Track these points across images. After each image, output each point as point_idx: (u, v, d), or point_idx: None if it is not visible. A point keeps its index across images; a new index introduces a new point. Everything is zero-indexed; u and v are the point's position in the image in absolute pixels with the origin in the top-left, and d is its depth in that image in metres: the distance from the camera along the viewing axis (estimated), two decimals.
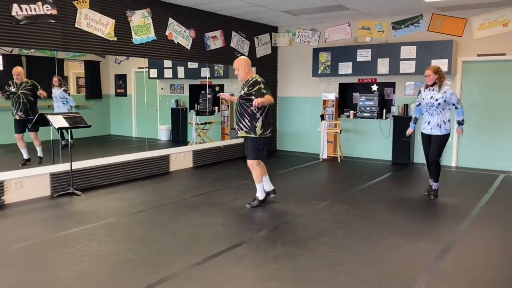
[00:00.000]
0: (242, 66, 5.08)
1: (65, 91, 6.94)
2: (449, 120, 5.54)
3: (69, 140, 5.87)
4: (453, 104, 5.45)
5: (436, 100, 5.42)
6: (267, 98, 4.86)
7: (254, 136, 5.09)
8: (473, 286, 3.22)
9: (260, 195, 5.29)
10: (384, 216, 4.95)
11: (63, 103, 6.91)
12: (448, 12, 7.84)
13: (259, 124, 5.05)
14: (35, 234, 4.31)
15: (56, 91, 6.89)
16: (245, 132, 5.11)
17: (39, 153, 6.36)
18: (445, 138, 5.56)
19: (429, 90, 5.51)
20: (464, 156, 8.04)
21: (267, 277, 3.31)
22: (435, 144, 5.55)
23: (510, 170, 7.59)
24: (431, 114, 5.52)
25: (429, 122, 5.56)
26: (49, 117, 5.71)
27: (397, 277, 3.35)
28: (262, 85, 4.97)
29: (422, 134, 5.72)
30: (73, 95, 8.57)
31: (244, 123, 5.08)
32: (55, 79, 6.85)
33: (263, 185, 5.30)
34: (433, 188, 5.77)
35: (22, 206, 5.32)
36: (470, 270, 3.51)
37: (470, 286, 3.22)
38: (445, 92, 5.42)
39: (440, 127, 5.49)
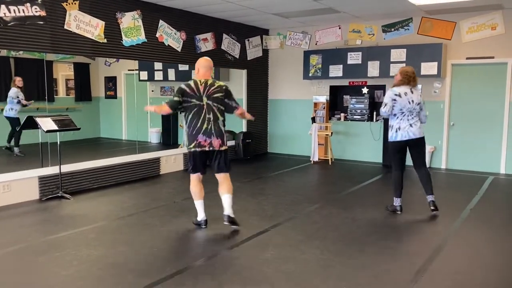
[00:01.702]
0: (196, 66, 4.52)
1: (19, 88, 6.87)
2: (392, 127, 5.01)
3: (50, 143, 5.80)
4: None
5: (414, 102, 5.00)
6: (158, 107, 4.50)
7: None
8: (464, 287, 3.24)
9: (199, 214, 4.57)
10: (375, 218, 4.96)
11: (17, 102, 6.85)
12: (437, 15, 7.90)
13: (185, 137, 4.51)
14: (23, 238, 4.25)
15: (13, 90, 6.84)
16: None
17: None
18: (388, 144, 5.16)
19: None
20: (454, 158, 8.10)
21: (258, 281, 3.30)
22: None
23: (499, 172, 7.67)
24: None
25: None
26: (38, 120, 5.64)
27: (387, 280, 3.35)
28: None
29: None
30: (63, 97, 8.50)
31: None
32: (18, 79, 6.82)
33: (201, 204, 4.56)
34: (433, 200, 5.13)
35: (10, 210, 5.25)
36: (460, 272, 3.52)
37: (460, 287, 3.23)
38: (420, 95, 5.06)
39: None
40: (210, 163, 4.52)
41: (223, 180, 4.54)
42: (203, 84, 4.36)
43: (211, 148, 4.38)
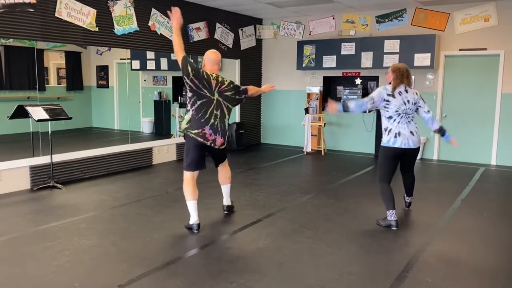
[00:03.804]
0: (203, 60, 4.35)
1: None
2: (385, 130, 4.48)
3: (41, 132, 5.75)
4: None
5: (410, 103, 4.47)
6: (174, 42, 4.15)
7: (183, 131, 4.28)
8: (454, 277, 3.27)
9: (192, 217, 4.19)
10: (367, 208, 4.98)
11: None
12: (431, 6, 7.90)
13: (187, 116, 4.22)
14: (14, 228, 4.22)
15: None
16: None
17: None
18: (380, 149, 4.58)
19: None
20: (445, 150, 8.15)
21: (251, 270, 3.31)
22: None
23: (490, 163, 7.73)
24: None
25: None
26: (29, 109, 5.58)
27: (379, 269, 3.38)
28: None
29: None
30: (54, 86, 8.42)
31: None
32: None
33: (194, 206, 4.21)
34: (410, 201, 4.98)
35: (1, 200, 5.20)
36: (451, 261, 3.56)
37: (451, 277, 3.26)
38: (415, 93, 4.54)
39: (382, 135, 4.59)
40: (208, 154, 4.32)
41: (223, 167, 4.59)
42: (215, 80, 4.14)
43: (212, 145, 4.16)
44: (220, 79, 4.19)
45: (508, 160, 7.60)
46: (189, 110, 4.17)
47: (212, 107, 4.13)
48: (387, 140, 4.43)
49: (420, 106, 4.49)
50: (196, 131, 4.09)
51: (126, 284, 3.07)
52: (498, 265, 3.54)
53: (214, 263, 3.43)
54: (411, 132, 4.40)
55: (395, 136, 4.37)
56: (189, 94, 4.12)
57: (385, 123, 4.48)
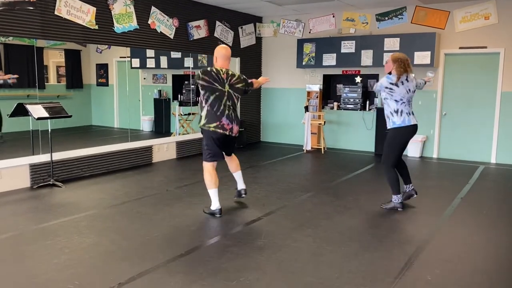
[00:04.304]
0: (214, 55, 4.58)
1: None
2: (397, 111, 4.64)
3: (41, 130, 5.75)
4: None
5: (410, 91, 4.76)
6: None
7: (200, 127, 4.56)
8: (453, 276, 3.28)
9: (213, 204, 4.55)
10: (367, 207, 4.99)
11: None
12: (431, 4, 7.89)
13: (203, 113, 4.49)
14: (14, 226, 4.22)
15: None
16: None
17: None
18: (390, 132, 4.74)
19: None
20: (445, 148, 8.15)
21: (251, 268, 3.31)
22: (385, 141, 4.87)
23: (489, 161, 7.73)
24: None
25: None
26: (28, 107, 5.57)
27: (379, 267, 3.38)
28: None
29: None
30: (54, 84, 8.41)
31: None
32: None
33: (215, 192, 4.56)
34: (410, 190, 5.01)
35: (1, 198, 5.20)
36: (450, 260, 3.56)
37: (450, 276, 3.27)
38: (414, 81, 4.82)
39: (388, 119, 4.76)
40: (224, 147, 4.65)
41: (232, 159, 4.90)
42: (225, 73, 4.46)
43: (231, 134, 4.52)
44: (230, 72, 4.52)
45: (508, 158, 7.60)
46: (204, 107, 4.48)
47: (224, 98, 4.46)
48: (401, 121, 4.64)
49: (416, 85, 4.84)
50: (214, 124, 4.43)
51: (126, 282, 3.07)
52: (498, 263, 3.55)
53: (214, 261, 3.44)
54: (412, 113, 4.75)
55: (407, 115, 4.65)
56: (202, 92, 4.46)
57: (393, 105, 4.66)
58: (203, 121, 4.49)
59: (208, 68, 4.44)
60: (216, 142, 4.50)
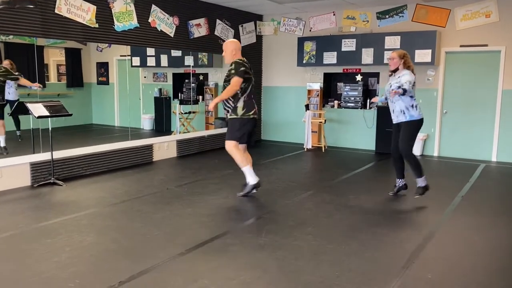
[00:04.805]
0: (229, 49, 5.05)
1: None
2: (412, 106, 4.95)
3: (42, 129, 5.75)
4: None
5: (390, 86, 5.00)
6: (226, 90, 4.91)
7: (235, 117, 5.02)
8: (454, 274, 3.27)
9: (251, 179, 5.08)
10: (368, 205, 4.99)
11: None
12: (432, 2, 7.87)
13: (240, 104, 4.98)
14: (15, 225, 4.22)
15: None
16: (229, 114, 5.08)
17: (2, 143, 6.22)
18: (410, 124, 4.98)
19: (393, 76, 5.08)
20: (446, 146, 8.14)
21: (251, 266, 3.31)
22: (403, 132, 5.04)
23: (490, 159, 7.73)
24: (392, 101, 5.06)
25: (393, 111, 5.12)
26: (29, 106, 5.57)
27: (380, 266, 3.38)
28: (233, 66, 4.93)
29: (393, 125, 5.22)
30: (54, 83, 8.41)
31: (227, 105, 5.05)
32: (6, 62, 6.54)
33: (249, 168, 5.08)
34: (418, 185, 5.16)
35: (1, 196, 5.21)
36: (451, 258, 3.56)
37: (451, 274, 3.27)
38: (399, 77, 4.93)
39: (404, 113, 4.98)
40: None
41: (247, 153, 5.22)
42: (247, 64, 4.99)
43: (256, 116, 5.07)
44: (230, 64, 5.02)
45: (508, 157, 7.59)
46: (239, 99, 4.94)
47: (252, 86, 5.05)
48: (419, 113, 5.00)
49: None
50: (252, 111, 5.00)
51: (127, 280, 3.07)
52: (498, 261, 3.54)
53: (214, 260, 3.44)
54: (393, 110, 5.10)
55: (420, 109, 5.01)
56: (242, 85, 4.90)
57: (409, 101, 4.94)
58: (240, 111, 4.94)
59: (240, 61, 4.91)
60: (249, 129, 5.02)
